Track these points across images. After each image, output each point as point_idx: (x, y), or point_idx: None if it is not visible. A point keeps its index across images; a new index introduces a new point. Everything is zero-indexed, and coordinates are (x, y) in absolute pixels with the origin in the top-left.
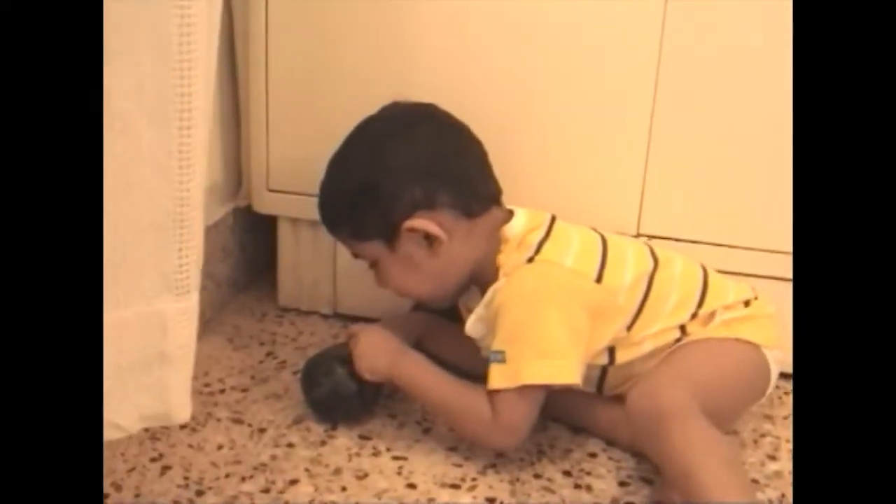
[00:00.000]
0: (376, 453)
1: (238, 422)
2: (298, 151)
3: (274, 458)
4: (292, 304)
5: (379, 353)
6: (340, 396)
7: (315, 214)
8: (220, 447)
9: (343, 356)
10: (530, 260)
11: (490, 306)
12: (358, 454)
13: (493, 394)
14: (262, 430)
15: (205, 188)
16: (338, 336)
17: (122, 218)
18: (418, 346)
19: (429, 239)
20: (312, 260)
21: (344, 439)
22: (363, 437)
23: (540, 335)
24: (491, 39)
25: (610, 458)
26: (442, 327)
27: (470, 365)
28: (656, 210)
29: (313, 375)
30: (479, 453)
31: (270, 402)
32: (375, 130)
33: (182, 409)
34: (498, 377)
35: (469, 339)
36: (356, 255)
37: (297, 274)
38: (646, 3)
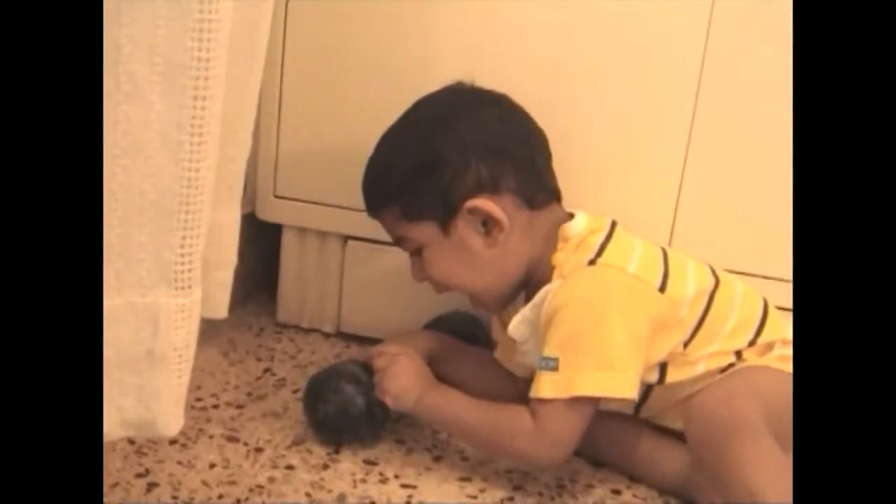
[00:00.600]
0: (383, 480)
1: (233, 440)
2: (312, 155)
3: (272, 480)
4: (292, 321)
5: (411, 383)
6: (348, 416)
7: (326, 225)
8: (212, 465)
9: (352, 374)
10: (591, 262)
11: (540, 308)
12: (364, 480)
13: (539, 403)
14: (258, 450)
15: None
16: (340, 356)
17: (122, 192)
18: (429, 367)
19: (487, 226)
20: (317, 274)
21: (348, 463)
22: (369, 462)
23: (600, 344)
24: (521, 48)
25: (635, 496)
26: (456, 349)
27: (485, 391)
28: (688, 236)
29: (319, 392)
30: (496, 484)
31: (268, 420)
32: (440, 104)
33: (172, 419)
34: (548, 386)
35: (486, 363)
36: (398, 240)
37: (300, 288)
38: (688, 22)
